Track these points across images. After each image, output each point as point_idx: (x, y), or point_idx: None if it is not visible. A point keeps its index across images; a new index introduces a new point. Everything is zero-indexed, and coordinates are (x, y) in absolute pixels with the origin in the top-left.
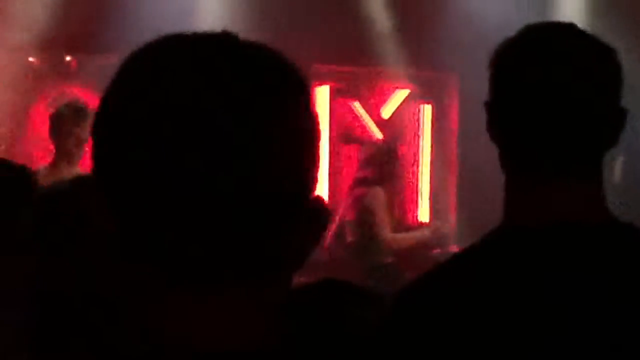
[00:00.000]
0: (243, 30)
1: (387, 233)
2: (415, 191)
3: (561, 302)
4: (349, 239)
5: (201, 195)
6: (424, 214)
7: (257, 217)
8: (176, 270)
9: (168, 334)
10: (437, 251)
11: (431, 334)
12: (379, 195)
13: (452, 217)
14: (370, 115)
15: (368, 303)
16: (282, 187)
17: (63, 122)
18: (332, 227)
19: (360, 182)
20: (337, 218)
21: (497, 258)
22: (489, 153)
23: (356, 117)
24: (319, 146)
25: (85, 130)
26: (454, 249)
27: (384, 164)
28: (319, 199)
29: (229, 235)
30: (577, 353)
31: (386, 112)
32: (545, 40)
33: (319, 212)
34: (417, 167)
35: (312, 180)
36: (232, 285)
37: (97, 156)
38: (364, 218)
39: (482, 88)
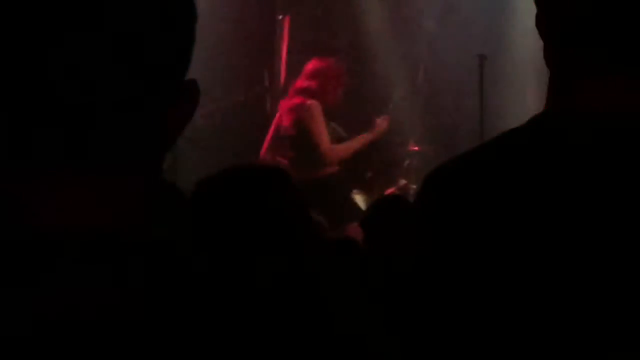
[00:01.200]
0: None
1: (325, 144)
2: None
3: (601, 192)
4: (289, 153)
5: (67, 66)
6: None
7: (127, 92)
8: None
9: (33, 214)
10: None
11: (460, 216)
12: (315, 107)
13: None
14: None
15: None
16: (154, 61)
17: None
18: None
19: (300, 92)
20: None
21: (540, 141)
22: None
23: None
24: (194, 27)
25: None
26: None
27: (329, 78)
28: (192, 80)
29: (97, 112)
30: (610, 249)
31: None
32: None
33: (192, 91)
34: None
35: (186, 60)
36: (98, 165)
37: None
38: (301, 130)
39: None
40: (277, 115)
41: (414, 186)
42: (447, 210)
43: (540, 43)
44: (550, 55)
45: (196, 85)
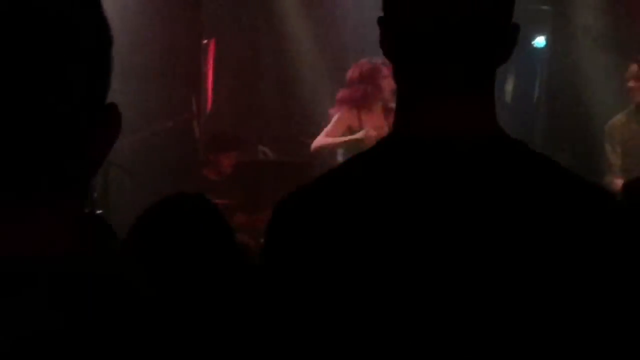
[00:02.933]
0: None
1: (316, 141)
2: None
3: (440, 211)
4: None
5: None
6: None
7: (46, 119)
8: None
9: None
10: None
11: (307, 243)
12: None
13: None
14: None
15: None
16: (71, 87)
17: None
18: None
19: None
20: None
21: (382, 167)
22: None
23: None
24: (109, 52)
25: None
26: None
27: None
28: (112, 104)
29: (27, 148)
30: (451, 269)
31: None
32: None
33: (113, 116)
34: None
35: (103, 85)
36: (33, 197)
37: None
38: None
39: None
40: None
41: None
42: (293, 239)
43: None
44: (396, 75)
45: (116, 109)
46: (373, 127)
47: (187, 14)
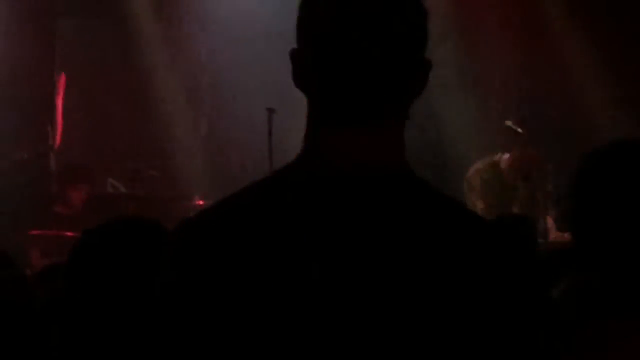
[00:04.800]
0: None
1: None
2: None
3: (331, 245)
4: None
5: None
6: None
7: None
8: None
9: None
10: None
11: (197, 269)
12: None
13: None
14: None
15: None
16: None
17: None
18: None
19: None
20: None
21: (279, 197)
22: None
23: None
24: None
25: None
26: None
27: None
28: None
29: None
30: (345, 305)
31: None
32: None
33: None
34: None
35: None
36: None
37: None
38: None
39: None
40: None
41: None
42: (184, 265)
43: None
44: (308, 106)
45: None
46: None
47: (41, 46)
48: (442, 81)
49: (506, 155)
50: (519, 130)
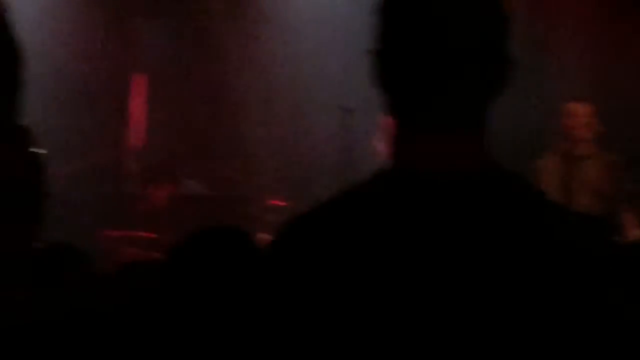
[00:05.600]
0: None
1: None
2: None
3: (428, 247)
4: None
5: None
6: None
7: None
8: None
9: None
10: None
11: (304, 269)
12: None
13: None
14: None
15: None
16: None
17: None
18: None
19: None
20: None
21: (376, 201)
22: None
23: None
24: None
25: None
26: None
27: None
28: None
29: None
30: (446, 302)
31: None
32: None
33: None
34: None
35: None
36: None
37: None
38: None
39: None
40: None
41: None
42: (295, 257)
43: None
44: (391, 112)
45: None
46: None
47: (119, 48)
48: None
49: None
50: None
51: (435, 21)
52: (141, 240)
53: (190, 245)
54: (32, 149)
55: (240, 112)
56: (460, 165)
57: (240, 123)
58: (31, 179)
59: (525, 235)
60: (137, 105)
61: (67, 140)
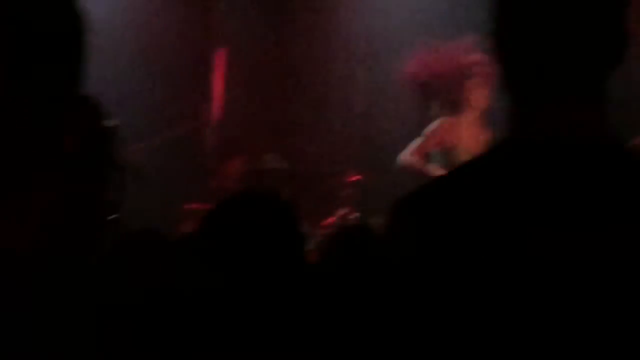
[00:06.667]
0: None
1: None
2: None
3: (553, 217)
4: None
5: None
6: None
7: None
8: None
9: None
10: None
11: (427, 243)
12: None
13: None
14: None
15: None
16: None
17: None
18: None
19: None
20: None
21: (498, 171)
22: None
23: None
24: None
25: None
26: None
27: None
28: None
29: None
30: (568, 274)
31: None
32: None
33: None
34: None
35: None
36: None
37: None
38: None
39: None
40: None
41: (357, 214)
42: (422, 232)
43: None
44: (507, 84)
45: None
46: (470, 139)
47: (198, 21)
48: None
49: None
50: None
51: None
52: None
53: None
54: (102, 120)
55: (321, 87)
56: (578, 135)
57: (320, 98)
58: (102, 149)
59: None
60: (218, 79)
61: (147, 114)
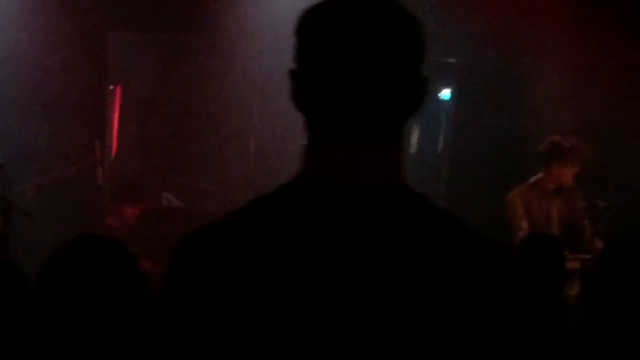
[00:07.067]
0: None
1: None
2: None
3: (336, 260)
4: None
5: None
6: None
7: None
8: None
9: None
10: None
11: (203, 281)
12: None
13: None
14: None
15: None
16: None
17: None
18: None
19: None
20: None
21: (282, 213)
22: None
23: None
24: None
25: None
26: None
27: None
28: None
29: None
30: (345, 314)
31: None
32: (346, 6)
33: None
34: None
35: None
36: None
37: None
38: None
39: None
40: None
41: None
42: (191, 276)
43: None
44: (307, 124)
45: None
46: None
47: (92, 58)
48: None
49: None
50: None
51: (349, 42)
52: None
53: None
54: None
55: (215, 125)
56: (370, 180)
57: (215, 136)
58: None
59: (428, 253)
60: (112, 116)
61: (40, 152)
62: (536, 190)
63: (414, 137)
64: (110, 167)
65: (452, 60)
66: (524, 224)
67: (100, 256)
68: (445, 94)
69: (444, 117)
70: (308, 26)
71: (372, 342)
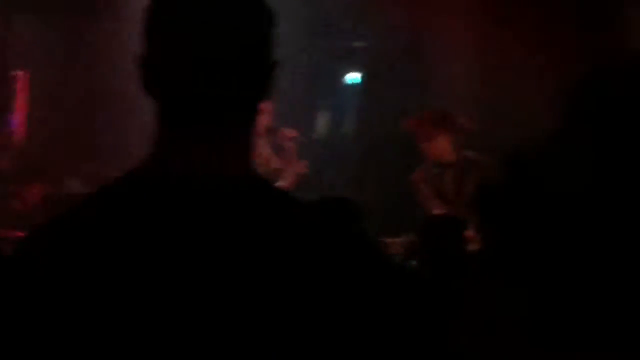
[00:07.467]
0: None
1: None
2: None
3: (172, 247)
4: None
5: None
6: None
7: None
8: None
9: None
10: None
11: (51, 275)
12: None
13: None
14: None
15: None
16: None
17: None
18: None
19: None
20: None
21: (120, 203)
22: None
23: None
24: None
25: None
26: None
27: None
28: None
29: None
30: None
31: None
32: None
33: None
34: None
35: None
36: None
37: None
38: None
39: None
40: None
41: None
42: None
43: None
44: (156, 112)
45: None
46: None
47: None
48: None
49: None
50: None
51: (195, 28)
52: (16, 240)
53: None
54: None
55: (122, 111)
56: (214, 164)
57: (121, 122)
58: None
59: (268, 230)
60: (19, 102)
61: None
62: (435, 166)
63: (321, 122)
64: (18, 153)
65: (363, 43)
66: (434, 203)
67: None
68: (354, 77)
69: (354, 101)
70: (156, 10)
71: (213, 331)
